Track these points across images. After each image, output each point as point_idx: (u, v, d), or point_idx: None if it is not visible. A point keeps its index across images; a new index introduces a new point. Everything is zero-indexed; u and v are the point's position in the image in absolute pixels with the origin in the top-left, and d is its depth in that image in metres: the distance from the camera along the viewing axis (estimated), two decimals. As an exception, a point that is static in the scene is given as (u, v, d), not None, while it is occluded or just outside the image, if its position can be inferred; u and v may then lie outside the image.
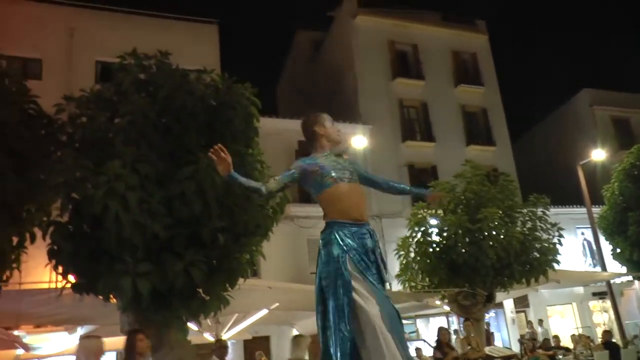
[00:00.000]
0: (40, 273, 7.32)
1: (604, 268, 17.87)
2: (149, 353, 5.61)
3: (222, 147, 3.23)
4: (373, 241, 3.50)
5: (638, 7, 58.58)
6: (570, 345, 15.82)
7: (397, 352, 3.09)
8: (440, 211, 12.54)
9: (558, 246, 12.19)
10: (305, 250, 18.14)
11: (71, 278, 6.18)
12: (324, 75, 26.26)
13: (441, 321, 19.16)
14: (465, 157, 17.45)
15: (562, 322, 22.93)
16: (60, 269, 6.11)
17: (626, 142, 24.31)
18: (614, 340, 14.68)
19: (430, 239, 12.49)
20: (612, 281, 17.81)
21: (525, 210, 12.47)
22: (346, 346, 3.16)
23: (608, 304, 20.55)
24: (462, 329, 13.95)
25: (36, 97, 6.57)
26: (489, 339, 13.73)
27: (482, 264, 11.48)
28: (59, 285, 6.32)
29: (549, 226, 12.28)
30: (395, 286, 14.22)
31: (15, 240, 6.25)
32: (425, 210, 12.75)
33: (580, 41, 73.67)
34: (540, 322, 20.06)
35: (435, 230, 12.47)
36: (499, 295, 13.11)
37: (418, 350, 14.11)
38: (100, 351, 5.11)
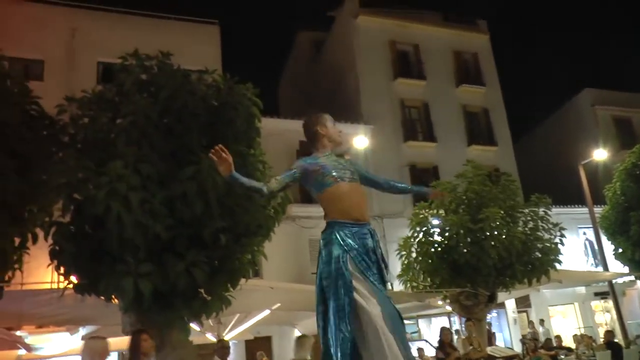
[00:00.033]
0: (42, 273, 7.34)
1: (605, 268, 17.85)
2: (153, 353, 5.62)
3: (222, 148, 3.24)
4: (374, 241, 3.50)
5: (639, 6, 58.51)
6: (573, 346, 15.82)
7: (399, 353, 3.09)
8: (441, 211, 12.53)
9: (560, 246, 12.16)
10: (306, 251, 18.15)
11: (73, 278, 6.19)
12: (325, 76, 26.27)
13: (443, 321, 19.13)
14: (466, 157, 17.43)
15: (564, 322, 22.91)
16: (62, 270, 6.11)
17: (628, 141, 24.28)
18: (616, 340, 14.67)
19: (432, 239, 12.46)
20: (614, 281, 17.79)
21: (527, 210, 12.44)
22: (347, 346, 3.16)
23: (610, 304, 20.50)
24: (463, 329, 13.94)
25: (38, 98, 6.58)
26: (490, 339, 13.71)
27: (484, 264, 11.47)
28: (61, 285, 6.33)
29: (550, 226, 12.26)
30: (397, 286, 14.21)
31: (17, 240, 6.26)
32: (427, 210, 12.74)
33: (581, 41, 73.66)
34: (542, 322, 20.05)
35: (437, 230, 12.45)
36: (501, 295, 13.10)
37: (420, 350, 14.10)
38: (106, 352, 5.14)
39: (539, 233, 12.14)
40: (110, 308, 6.48)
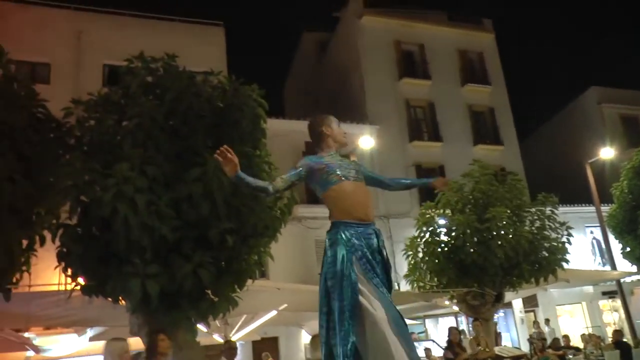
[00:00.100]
0: (49, 275, 7.36)
1: (613, 267, 17.76)
2: (170, 353, 5.66)
3: (228, 148, 3.24)
4: (379, 241, 3.49)
5: (646, 4, 58.07)
6: (581, 345, 15.74)
7: (406, 356, 3.09)
8: (448, 211, 12.51)
9: (567, 245, 12.11)
10: (313, 251, 18.14)
11: (80, 280, 6.21)
12: (330, 76, 26.28)
13: (450, 321, 19.11)
14: (472, 156, 17.36)
15: (572, 322, 22.81)
16: (69, 271, 6.14)
17: (635, 139, 24.14)
18: (625, 339, 14.58)
19: (438, 238, 12.45)
20: (622, 280, 17.70)
21: (533, 210, 12.40)
22: (350, 347, 3.15)
23: (618, 303, 20.40)
24: (470, 329, 13.90)
25: (45, 101, 6.60)
26: (496, 339, 13.66)
27: (491, 264, 11.44)
28: (69, 287, 6.35)
29: (557, 225, 12.21)
30: (404, 286, 14.20)
31: (25, 243, 6.28)
32: (433, 210, 12.72)
33: (587, 39, 73.31)
34: (547, 321, 19.96)
35: (444, 230, 12.44)
36: (508, 295, 13.05)
37: (427, 350, 14.07)
38: (126, 352, 5.19)
39: (545, 232, 12.10)
40: (118, 309, 6.50)
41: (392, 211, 19.72)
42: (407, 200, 19.75)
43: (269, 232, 6.70)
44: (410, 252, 12.69)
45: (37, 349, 9.06)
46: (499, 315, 19.05)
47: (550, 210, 12.33)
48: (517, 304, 21.32)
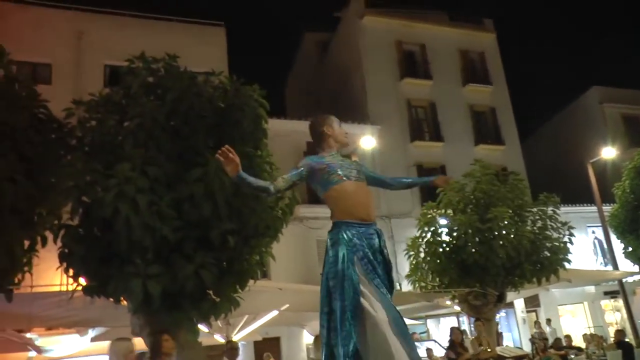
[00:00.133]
0: (51, 276, 7.35)
1: (615, 267, 17.73)
2: (174, 353, 5.66)
3: (229, 148, 3.24)
4: (380, 241, 3.49)
5: (647, 3, 58.02)
6: (583, 345, 15.71)
7: (406, 357, 3.09)
8: (449, 211, 12.50)
9: (569, 245, 12.10)
10: (314, 251, 18.14)
11: (82, 281, 6.21)
12: (331, 76, 26.28)
13: (452, 321, 19.08)
14: (474, 156, 17.35)
15: (574, 322, 22.78)
16: (71, 272, 6.13)
17: (637, 139, 24.15)
18: (627, 339, 14.55)
19: (440, 239, 12.43)
20: (624, 280, 17.67)
21: (535, 209, 12.39)
22: (351, 347, 3.14)
23: (620, 303, 20.37)
24: (472, 329, 13.88)
25: (46, 102, 6.60)
26: (498, 338, 13.65)
27: (493, 264, 11.43)
28: (70, 288, 6.35)
29: (559, 225, 12.21)
30: (406, 286, 14.19)
31: (26, 243, 6.28)
32: (435, 210, 12.71)
33: (588, 38, 73.24)
34: (549, 321, 19.93)
35: (445, 230, 12.42)
36: (510, 295, 13.04)
37: (429, 350, 14.06)
38: (131, 352, 5.20)
39: (547, 232, 12.09)
40: (119, 310, 6.50)
41: (394, 211, 19.71)
42: (408, 200, 19.74)
43: (270, 232, 6.69)
44: (412, 252, 12.69)
45: (39, 350, 9.07)
46: (500, 315, 19.03)
47: (552, 210, 12.31)
48: (519, 304, 21.30)
